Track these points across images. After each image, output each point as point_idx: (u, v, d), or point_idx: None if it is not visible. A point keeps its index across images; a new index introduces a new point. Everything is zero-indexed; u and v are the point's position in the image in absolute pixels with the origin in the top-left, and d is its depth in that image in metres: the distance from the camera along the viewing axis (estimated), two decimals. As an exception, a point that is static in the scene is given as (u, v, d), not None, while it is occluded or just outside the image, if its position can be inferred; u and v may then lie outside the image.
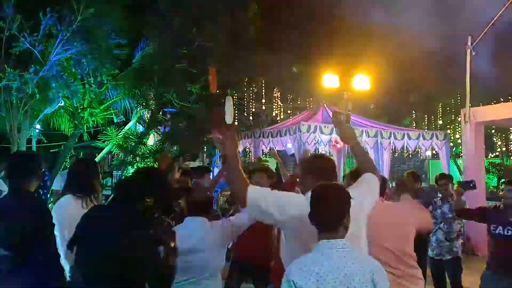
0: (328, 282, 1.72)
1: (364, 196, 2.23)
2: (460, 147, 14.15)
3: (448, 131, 14.18)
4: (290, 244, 2.23)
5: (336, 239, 1.82)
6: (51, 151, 10.17)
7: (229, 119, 10.16)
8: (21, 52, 6.87)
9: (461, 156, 12.74)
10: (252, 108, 16.96)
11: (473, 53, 8.99)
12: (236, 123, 14.45)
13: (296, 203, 2.13)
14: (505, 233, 3.64)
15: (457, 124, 16.58)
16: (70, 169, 3.22)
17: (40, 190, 4.28)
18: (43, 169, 2.67)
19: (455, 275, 4.67)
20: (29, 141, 8.61)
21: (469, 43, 9.04)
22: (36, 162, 2.56)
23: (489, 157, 17.28)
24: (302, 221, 1.98)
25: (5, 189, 7.10)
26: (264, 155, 13.97)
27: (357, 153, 2.60)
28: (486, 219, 3.85)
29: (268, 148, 12.37)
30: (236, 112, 14.18)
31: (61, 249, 2.63)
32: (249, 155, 14.39)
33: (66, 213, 2.86)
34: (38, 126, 9.06)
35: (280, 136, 11.17)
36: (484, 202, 7.77)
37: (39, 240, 2.29)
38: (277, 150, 13.72)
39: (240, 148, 12.90)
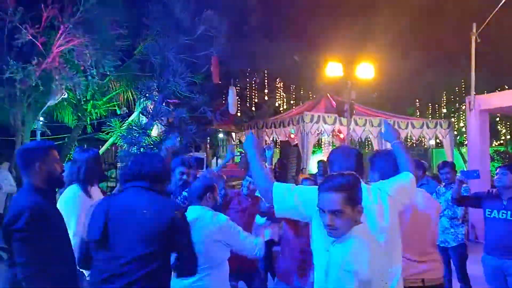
0: (372, 270, 1.76)
1: (398, 192, 2.24)
2: (464, 135, 14.09)
3: (452, 119, 14.10)
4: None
5: None
6: (55, 143, 10.20)
7: (232, 109, 10.15)
8: (24, 44, 6.86)
9: (465, 144, 12.69)
10: (255, 98, 16.93)
11: (478, 41, 8.90)
12: (239, 113, 14.43)
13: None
14: (500, 216, 3.66)
15: (461, 112, 16.48)
16: (73, 159, 3.19)
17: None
18: None
19: (461, 262, 4.68)
20: (33, 133, 8.64)
21: (473, 30, 8.94)
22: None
23: (494, 145, 17.20)
24: None
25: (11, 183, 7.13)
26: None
27: (397, 152, 2.56)
28: (481, 204, 3.87)
29: (271, 139, 12.37)
30: (239, 102, 14.16)
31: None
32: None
33: (75, 202, 2.91)
34: (41, 119, 9.07)
35: (283, 126, 11.16)
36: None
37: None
38: (280, 141, 13.75)
39: (243, 139, 12.91)
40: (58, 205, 2.62)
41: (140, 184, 2.22)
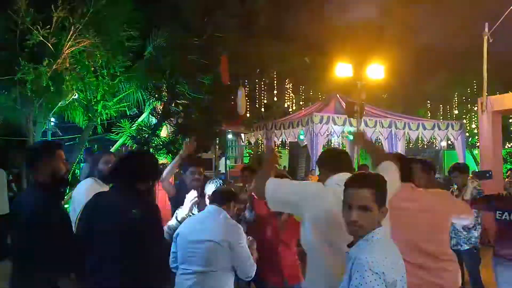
0: (398, 269, 1.75)
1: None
2: (476, 137, 13.88)
3: (464, 121, 13.92)
4: (310, 237, 2.20)
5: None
6: (66, 144, 10.30)
7: (241, 110, 10.14)
8: (35, 45, 6.93)
9: (477, 146, 12.51)
10: (264, 99, 16.90)
11: (490, 40, 8.77)
12: (248, 114, 14.43)
13: (314, 189, 2.23)
14: (511, 219, 3.59)
15: (473, 114, 16.26)
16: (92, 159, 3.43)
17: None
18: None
19: (473, 266, 4.60)
20: (44, 133, 8.72)
21: (486, 30, 8.81)
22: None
23: (506, 146, 16.94)
24: (320, 208, 2.08)
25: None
26: (276, 147, 13.94)
27: (369, 152, 2.70)
28: (491, 207, 3.79)
29: (280, 140, 12.33)
30: (248, 103, 14.14)
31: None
32: (261, 147, 14.37)
33: (87, 192, 2.96)
34: (53, 119, 9.16)
35: (292, 127, 11.12)
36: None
37: None
38: (289, 142, 13.70)
39: (252, 140, 12.90)
40: (73, 196, 2.86)
41: (117, 183, 2.34)
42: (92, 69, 7.72)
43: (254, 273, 2.86)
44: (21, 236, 2.28)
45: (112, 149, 10.03)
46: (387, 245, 1.80)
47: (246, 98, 12.23)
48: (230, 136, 13.78)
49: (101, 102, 9.54)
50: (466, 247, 4.59)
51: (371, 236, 1.77)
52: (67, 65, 7.03)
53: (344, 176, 2.12)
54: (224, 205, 2.90)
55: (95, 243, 2.18)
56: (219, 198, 2.92)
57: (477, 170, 5.19)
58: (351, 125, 10.15)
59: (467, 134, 14.55)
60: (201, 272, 2.72)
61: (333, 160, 2.39)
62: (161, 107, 8.03)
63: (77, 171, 10.09)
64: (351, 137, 11.67)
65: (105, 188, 3.11)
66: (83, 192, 3.06)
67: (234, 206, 2.96)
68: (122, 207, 2.19)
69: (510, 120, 16.16)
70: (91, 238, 2.19)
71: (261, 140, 13.46)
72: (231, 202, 2.92)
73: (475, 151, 14.96)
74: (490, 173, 3.96)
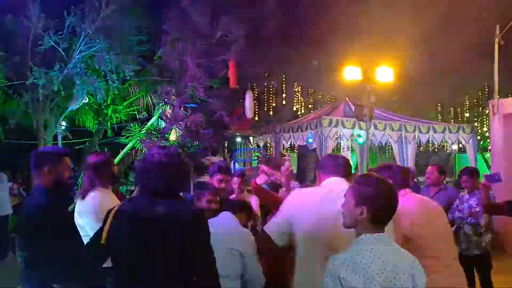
0: (374, 277, 1.68)
1: None
2: (488, 140, 13.71)
3: (475, 124, 13.75)
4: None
5: (381, 233, 1.79)
6: (76, 147, 10.43)
7: (249, 114, 10.16)
8: (46, 51, 7.04)
9: (489, 149, 12.34)
10: (273, 103, 16.91)
11: (502, 42, 8.67)
12: (256, 118, 14.44)
13: (289, 206, 2.36)
14: None
15: (484, 116, 16.06)
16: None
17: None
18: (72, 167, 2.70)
19: (485, 272, 4.51)
20: (55, 137, 8.84)
21: (497, 32, 8.71)
22: None
23: (519, 150, 16.67)
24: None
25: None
26: (285, 150, 13.92)
27: None
28: None
29: (288, 143, 12.30)
30: (256, 107, 14.16)
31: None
32: (270, 150, 14.35)
33: (101, 204, 2.90)
34: (63, 123, 9.28)
35: (301, 131, 11.08)
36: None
37: None
38: (298, 145, 13.66)
39: (261, 144, 12.91)
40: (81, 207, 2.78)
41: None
42: (103, 73, 7.82)
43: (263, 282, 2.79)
44: (23, 240, 2.34)
45: (122, 153, 10.13)
46: (369, 248, 1.74)
47: (255, 102, 12.27)
48: (238, 139, 13.80)
49: (111, 106, 9.65)
50: (476, 252, 4.51)
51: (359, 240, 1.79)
52: (78, 70, 7.13)
53: (337, 180, 2.32)
54: (238, 214, 2.88)
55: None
56: (232, 206, 2.91)
57: (486, 174, 5.09)
58: (360, 128, 10.08)
59: (479, 137, 14.37)
60: None
61: (330, 164, 2.45)
62: (170, 111, 8.08)
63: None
64: (360, 140, 11.61)
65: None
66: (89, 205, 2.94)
67: (246, 218, 2.93)
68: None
69: (523, 123, 15.92)
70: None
71: (269, 144, 13.44)
72: (242, 213, 2.90)
73: (487, 154, 14.76)
74: (499, 174, 3.88)
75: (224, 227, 2.77)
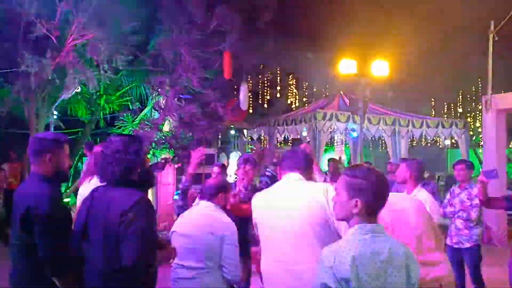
0: (366, 267, 1.67)
1: None
2: (480, 136, 13.80)
3: (468, 119, 13.83)
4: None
5: (375, 223, 1.78)
6: (69, 137, 10.32)
7: (243, 105, 10.12)
8: (38, 38, 6.93)
9: (481, 145, 12.44)
10: (267, 95, 16.86)
11: (496, 38, 8.69)
12: (250, 110, 14.40)
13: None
14: None
15: (477, 112, 16.17)
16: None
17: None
18: None
19: (475, 264, 4.57)
20: (47, 127, 8.74)
21: (491, 28, 8.73)
22: None
23: (510, 145, 16.84)
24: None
25: None
26: (279, 143, 13.91)
27: None
28: None
29: (282, 136, 12.29)
30: (251, 99, 14.11)
31: None
32: (264, 143, 14.34)
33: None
34: (55, 112, 9.18)
35: (295, 124, 11.07)
36: (505, 191, 7.58)
37: None
38: (292, 139, 13.65)
39: (255, 136, 12.89)
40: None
41: None
42: (95, 62, 7.72)
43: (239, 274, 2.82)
44: (20, 229, 2.21)
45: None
46: (363, 238, 1.73)
47: (249, 94, 12.21)
48: (232, 132, 13.76)
49: (104, 96, 9.55)
50: (467, 245, 4.56)
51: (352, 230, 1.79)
52: (70, 59, 7.02)
53: (293, 175, 2.43)
54: (215, 199, 2.89)
55: None
56: (208, 193, 2.91)
57: (484, 170, 5.12)
58: (354, 122, 10.09)
59: (471, 132, 14.46)
60: (194, 267, 2.71)
61: (287, 159, 2.52)
62: (163, 102, 8.02)
63: (79, 165, 10.12)
64: (354, 134, 11.64)
65: None
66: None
67: (225, 197, 2.95)
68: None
69: (515, 119, 16.04)
70: None
71: (263, 137, 13.42)
72: (219, 194, 2.91)
73: (479, 150, 14.88)
74: (496, 171, 3.92)
75: (205, 217, 2.82)
